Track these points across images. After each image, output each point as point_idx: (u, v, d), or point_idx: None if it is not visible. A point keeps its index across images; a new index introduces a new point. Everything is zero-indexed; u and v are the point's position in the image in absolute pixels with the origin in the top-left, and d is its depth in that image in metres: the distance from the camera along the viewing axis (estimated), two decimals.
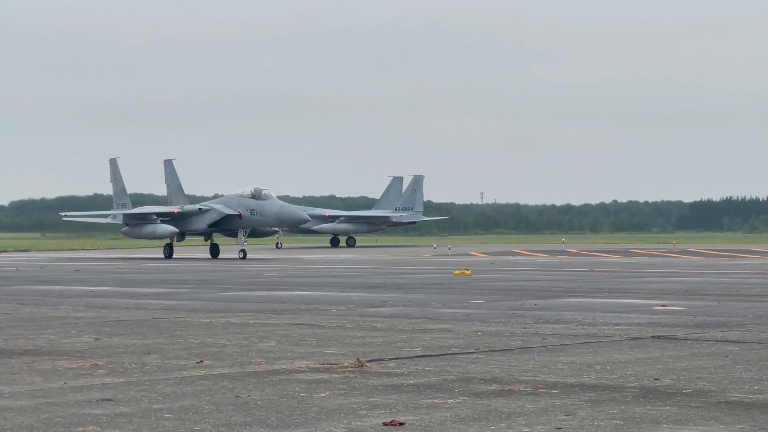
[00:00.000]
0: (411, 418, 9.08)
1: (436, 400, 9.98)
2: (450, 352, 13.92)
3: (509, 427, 8.72)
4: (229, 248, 65.37)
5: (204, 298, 25.38)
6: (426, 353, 13.74)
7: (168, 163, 65.83)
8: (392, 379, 11.33)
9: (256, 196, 58.32)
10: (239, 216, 58.70)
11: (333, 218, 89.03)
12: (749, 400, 9.97)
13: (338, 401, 9.92)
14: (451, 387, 10.79)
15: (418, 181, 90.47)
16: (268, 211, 57.98)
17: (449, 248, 69.80)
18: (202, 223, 60.45)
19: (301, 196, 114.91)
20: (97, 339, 15.74)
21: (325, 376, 11.62)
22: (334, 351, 13.99)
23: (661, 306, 21.90)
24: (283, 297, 25.83)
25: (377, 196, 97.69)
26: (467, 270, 38.39)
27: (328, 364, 12.63)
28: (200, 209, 60.46)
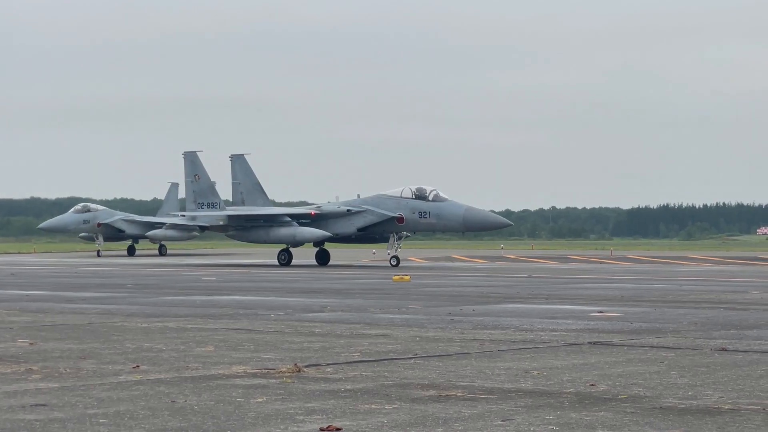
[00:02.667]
0: (348, 423, 9.07)
1: (373, 406, 9.97)
2: (388, 357, 13.93)
3: None
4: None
5: (141, 303, 25.21)
6: (364, 359, 13.74)
7: (238, 159, 58.48)
8: (329, 385, 11.31)
9: (425, 196, 51.79)
10: (399, 219, 52.30)
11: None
12: (683, 406, 10.06)
13: (275, 406, 9.89)
14: (389, 392, 10.80)
15: (172, 188, 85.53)
16: (450, 213, 51.07)
17: (388, 253, 69.82)
18: (351, 226, 53.74)
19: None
20: (31, 343, 15.58)
21: (263, 381, 11.58)
22: (272, 356, 13.95)
23: (598, 312, 22.05)
24: (222, 302, 25.72)
25: (318, 201, 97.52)
26: (406, 275, 38.44)
27: (265, 369, 12.59)
28: (348, 210, 53.72)
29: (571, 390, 11.02)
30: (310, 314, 21.51)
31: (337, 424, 9.00)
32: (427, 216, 51.55)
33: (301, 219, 54.71)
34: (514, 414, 9.58)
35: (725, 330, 18.04)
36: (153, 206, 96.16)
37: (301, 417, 9.37)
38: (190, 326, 18.60)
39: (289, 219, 54.81)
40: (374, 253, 72.13)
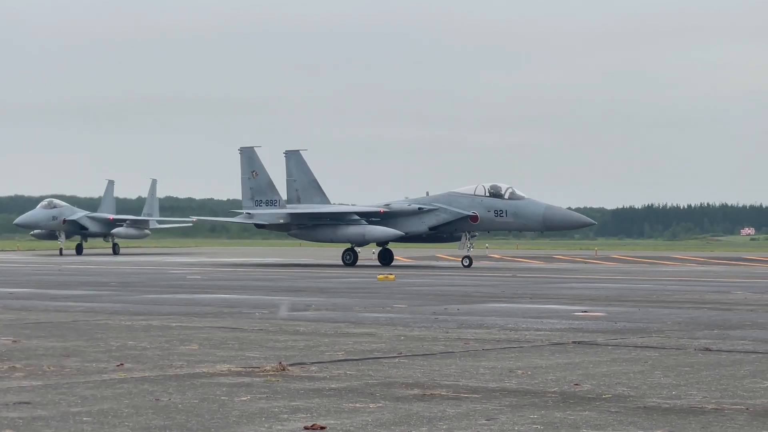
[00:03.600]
0: (332, 422, 9.07)
1: (357, 405, 9.97)
2: (372, 356, 13.93)
3: (430, 431, 8.74)
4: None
5: (126, 301, 25.16)
6: (348, 357, 13.73)
7: (293, 155, 56.33)
8: (314, 383, 11.30)
9: (501, 194, 49.83)
10: (473, 218, 50.26)
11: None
12: (667, 406, 10.08)
13: (259, 405, 9.88)
14: (373, 391, 10.79)
15: (153, 184, 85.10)
16: (530, 212, 49.18)
17: (374, 252, 69.80)
18: (422, 225, 51.59)
19: (225, 199, 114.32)
20: (15, 341, 15.53)
21: (247, 379, 11.56)
22: (257, 354, 13.93)
23: (583, 312, 22.08)
24: (206, 300, 25.69)
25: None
26: (391, 274, 38.45)
27: (249, 367, 12.57)
28: (420, 208, 51.46)
29: (555, 389, 11.03)
30: (295, 313, 21.50)
31: (321, 422, 8.99)
32: (504, 215, 49.66)
33: (370, 217, 52.60)
34: (498, 413, 9.58)
35: (709, 330, 18.09)
36: (137, 205, 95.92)
37: (286, 416, 9.36)
38: (174, 324, 18.57)
39: (358, 217, 52.63)
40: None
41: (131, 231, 78.90)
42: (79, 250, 78.17)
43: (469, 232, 50.95)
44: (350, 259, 53.11)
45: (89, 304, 23.95)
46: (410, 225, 51.72)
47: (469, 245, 50.72)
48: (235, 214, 61.78)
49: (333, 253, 77.08)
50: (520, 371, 12.44)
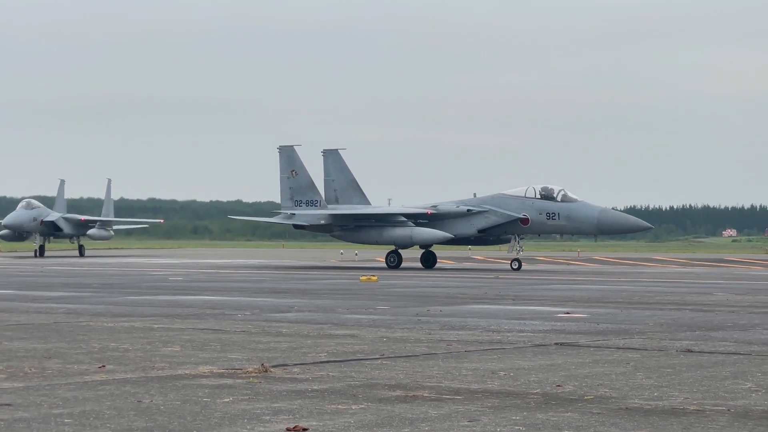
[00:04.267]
0: (314, 423, 9.06)
1: (340, 406, 9.97)
2: (355, 357, 13.93)
3: None
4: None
5: (108, 302, 25.10)
6: (331, 359, 13.73)
7: (332, 154, 54.70)
8: (296, 385, 11.30)
9: (553, 196, 48.67)
10: (524, 220, 49.03)
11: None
12: (649, 407, 10.10)
13: (242, 406, 9.87)
14: (355, 393, 10.79)
15: (109, 184, 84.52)
16: (583, 215, 47.99)
17: (356, 254, 69.82)
18: (471, 227, 50.14)
19: (208, 200, 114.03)
20: None
21: (229, 381, 11.55)
22: (239, 356, 13.92)
23: (565, 313, 22.12)
24: (188, 301, 25.65)
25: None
26: (373, 276, 38.45)
27: (232, 369, 12.55)
28: (469, 210, 50.16)
29: (537, 391, 11.04)
30: (278, 314, 21.48)
31: (303, 424, 8.99)
32: (556, 218, 48.46)
33: (416, 219, 51.14)
34: (480, 415, 9.59)
35: (691, 331, 18.14)
36: (119, 206, 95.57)
37: (268, 417, 9.35)
38: (156, 326, 18.54)
39: (404, 218, 51.14)
40: (342, 253, 72.10)
41: (102, 232, 78.76)
42: (41, 252, 75.10)
43: (518, 235, 49.87)
44: (394, 261, 51.78)
45: (71, 305, 23.89)
46: (458, 227, 50.45)
47: (518, 248, 49.63)
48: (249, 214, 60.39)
49: (314, 254, 77.00)
50: (502, 373, 12.45)
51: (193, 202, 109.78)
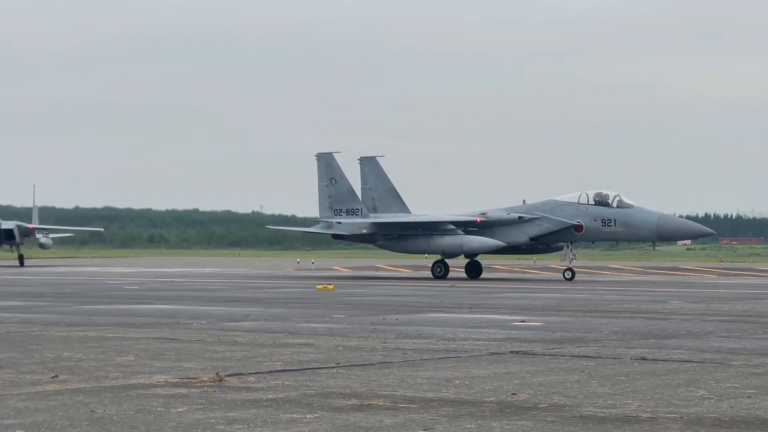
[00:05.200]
0: None
1: (294, 415, 9.94)
2: (310, 366, 13.90)
3: None
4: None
5: (62, 312, 24.93)
6: (286, 368, 13.70)
7: (369, 161, 52.85)
8: (251, 394, 11.26)
9: (608, 202, 47.02)
10: (578, 227, 47.46)
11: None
12: (602, 414, 10.14)
13: (196, 416, 9.82)
14: (310, 402, 10.77)
15: (33, 190, 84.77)
16: (641, 221, 46.41)
17: (312, 263, 69.72)
18: (522, 235, 48.63)
19: (164, 209, 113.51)
20: None
21: (184, 390, 11.50)
22: (194, 365, 13.86)
23: (521, 321, 22.18)
24: (143, 310, 25.52)
25: (243, 210, 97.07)
26: (330, 284, 38.41)
27: (186, 378, 12.50)
28: (521, 217, 48.53)
29: (492, 399, 11.07)
30: (233, 323, 21.41)
31: None
32: (612, 224, 46.84)
33: (465, 227, 49.33)
34: (435, 423, 9.59)
35: (645, 339, 18.24)
36: (75, 214, 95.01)
37: (222, 427, 9.31)
38: (110, 335, 18.42)
39: (453, 227, 49.30)
40: (298, 262, 71.96)
41: (49, 241, 78.37)
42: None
43: (571, 243, 48.36)
44: (441, 271, 50.01)
45: (25, 315, 23.70)
46: (510, 235, 48.84)
47: (571, 256, 48.10)
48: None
49: (271, 263, 76.86)
50: (457, 381, 12.47)
51: (149, 210, 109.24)
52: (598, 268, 70.07)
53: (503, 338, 18.27)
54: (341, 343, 17.10)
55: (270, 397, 11.08)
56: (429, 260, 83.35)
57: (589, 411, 10.35)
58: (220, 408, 10.31)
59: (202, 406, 10.38)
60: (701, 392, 11.70)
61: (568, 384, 12.28)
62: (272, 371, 13.32)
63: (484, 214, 49.57)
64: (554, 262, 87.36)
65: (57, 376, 12.69)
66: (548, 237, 48.56)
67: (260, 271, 61.21)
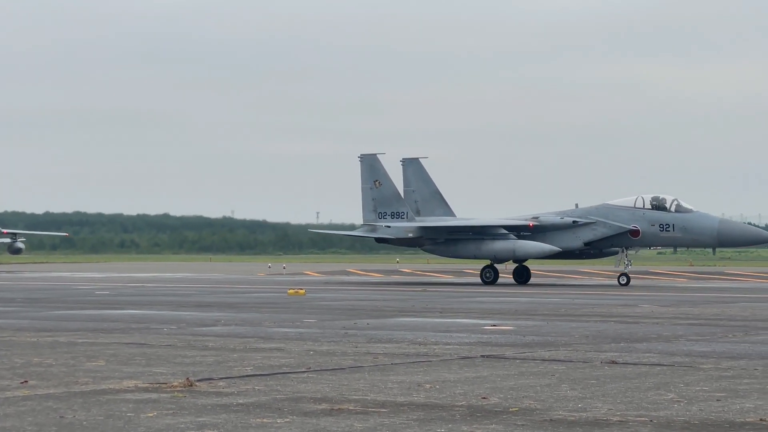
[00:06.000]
0: None
1: (265, 420, 9.93)
2: (281, 371, 13.89)
3: None
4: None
5: (32, 317, 24.81)
6: (257, 372, 13.68)
7: (412, 163, 51.68)
8: (222, 399, 11.24)
9: (666, 206, 45.95)
10: (634, 232, 46.31)
11: None
12: (573, 418, 10.18)
13: (166, 421, 9.80)
14: (281, 406, 10.76)
15: None
16: (701, 226, 45.36)
17: (284, 267, 69.63)
18: (576, 240, 47.40)
19: (135, 214, 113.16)
20: None
21: (154, 395, 11.47)
22: (164, 370, 13.82)
23: (492, 326, 22.22)
24: (114, 316, 25.42)
25: (214, 215, 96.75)
26: (301, 289, 38.38)
27: (157, 383, 12.46)
28: (575, 222, 47.38)
29: (463, 403, 11.08)
30: (204, 328, 21.37)
31: None
32: (670, 229, 45.66)
33: (518, 231, 48.12)
34: (405, 427, 9.60)
35: (615, 343, 18.30)
36: (45, 219, 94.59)
37: (192, 431, 9.29)
38: (80, 341, 18.35)
39: (505, 231, 48.09)
40: (269, 267, 71.88)
41: (21, 246, 78.21)
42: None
43: (626, 248, 47.18)
44: (490, 277, 48.70)
45: None
46: (563, 240, 47.57)
47: (627, 262, 46.77)
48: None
49: (242, 267, 76.72)
50: (428, 385, 12.48)
51: (120, 215, 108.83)
52: (569, 271, 70.24)
53: (474, 342, 18.30)
54: (312, 348, 17.09)
55: (240, 401, 11.07)
56: (399, 265, 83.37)
57: (560, 415, 10.38)
58: (191, 413, 10.28)
59: (172, 411, 10.35)
60: (671, 395, 11.75)
61: (538, 388, 12.31)
62: (243, 376, 13.30)
63: (537, 218, 48.42)
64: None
65: (26, 381, 12.64)
66: (603, 242, 47.52)
67: (231, 275, 61.12)
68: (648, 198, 46.42)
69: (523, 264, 49.95)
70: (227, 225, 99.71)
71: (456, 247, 49.11)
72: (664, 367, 14.57)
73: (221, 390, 11.95)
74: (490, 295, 37.25)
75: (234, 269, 73.95)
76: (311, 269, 73.92)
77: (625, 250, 47.04)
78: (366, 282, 52.26)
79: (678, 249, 53.61)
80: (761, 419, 10.22)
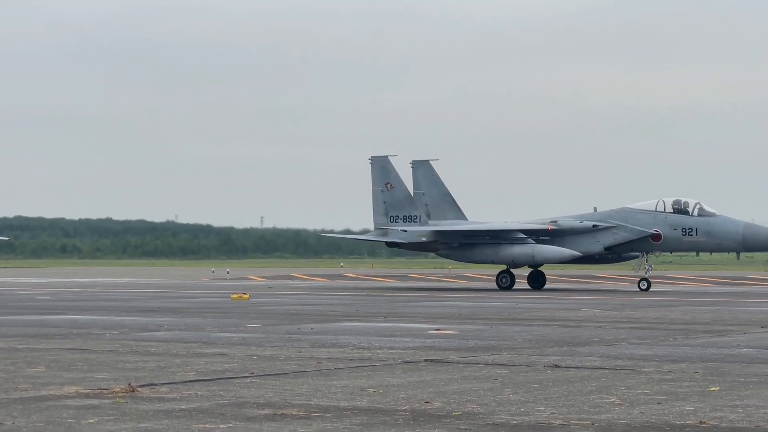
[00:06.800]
0: None
1: (207, 425, 9.88)
2: (224, 376, 13.83)
3: None
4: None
5: None
6: (199, 378, 13.61)
7: (422, 165, 50.66)
8: (164, 404, 11.17)
9: (688, 210, 45.10)
10: (656, 236, 45.43)
11: None
12: (515, 422, 10.21)
13: (107, 427, 9.72)
14: (224, 411, 10.71)
15: None
16: (725, 230, 44.47)
17: (228, 272, 69.40)
18: (596, 244, 46.58)
19: (77, 218, 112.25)
20: None
21: (95, 401, 11.37)
22: (106, 376, 13.71)
23: (435, 330, 22.26)
24: (55, 321, 25.20)
25: (158, 219, 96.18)
26: (245, 294, 38.26)
27: (98, 389, 12.36)
28: (595, 226, 46.40)
29: (406, 407, 11.09)
30: (147, 333, 21.24)
31: None
32: (693, 233, 44.81)
33: (536, 235, 47.19)
34: None
35: (558, 347, 18.39)
36: (15, 223, 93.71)
37: None
38: (20, 346, 18.17)
39: (523, 235, 47.03)
40: (213, 271, 71.58)
41: None
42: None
43: (647, 252, 46.37)
44: (507, 282, 47.65)
45: None
46: (583, 244, 46.72)
47: (647, 267, 45.88)
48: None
49: (185, 272, 76.28)
50: (371, 390, 12.47)
51: (62, 219, 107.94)
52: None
53: (418, 347, 18.32)
54: (255, 353, 17.03)
55: (183, 407, 11.00)
56: (343, 270, 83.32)
57: (502, 418, 10.41)
58: (132, 419, 10.21)
59: (113, 417, 10.28)
60: (613, 399, 11.83)
61: (481, 392, 12.35)
62: (185, 381, 13.23)
63: (555, 221, 47.47)
64: (470, 270, 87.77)
65: None
66: (623, 246, 46.74)
67: (175, 280, 60.80)
68: (669, 201, 45.66)
69: (539, 269, 49.00)
70: (170, 229, 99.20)
71: (472, 252, 48.08)
72: (606, 371, 14.66)
73: (163, 395, 11.87)
74: (434, 300, 37.32)
75: (177, 274, 73.58)
76: (255, 274, 73.73)
77: (645, 255, 46.27)
78: (311, 287, 52.20)
79: (701, 253, 52.38)
80: (701, 422, 10.31)
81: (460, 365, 15.38)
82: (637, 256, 47.04)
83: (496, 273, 48.72)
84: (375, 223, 51.51)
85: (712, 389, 12.68)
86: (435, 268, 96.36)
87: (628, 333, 21.73)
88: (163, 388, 12.51)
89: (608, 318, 26.83)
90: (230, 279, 62.44)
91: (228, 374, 14.04)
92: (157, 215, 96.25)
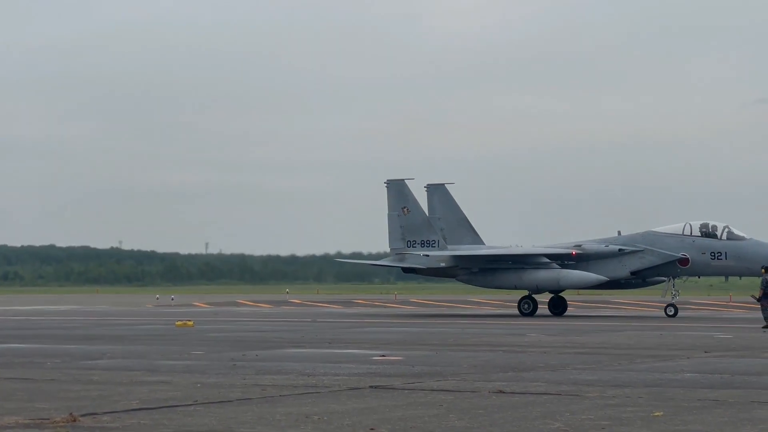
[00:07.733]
0: None
1: None
2: (167, 404, 13.70)
3: None
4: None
5: None
6: (143, 406, 13.48)
7: (438, 189, 49.56)
8: None
9: (716, 234, 44.30)
10: (683, 261, 44.48)
11: None
12: None
13: None
14: None
15: None
16: (756, 254, 43.56)
17: (172, 298, 68.93)
18: (623, 269, 45.44)
19: (18, 245, 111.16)
20: None
21: (35, 431, 11.22)
22: (47, 405, 13.54)
23: (381, 356, 22.21)
24: None
25: (102, 246, 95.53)
26: (189, 321, 38.02)
27: (39, 419, 12.20)
28: (621, 250, 45.36)
29: None
30: (89, 362, 21.03)
31: None
32: (722, 257, 43.96)
33: (561, 260, 46.10)
34: None
35: (503, 372, 18.41)
36: None
37: None
38: None
39: (547, 260, 45.99)
40: (158, 298, 71.10)
41: None
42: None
43: (674, 277, 45.34)
44: (529, 308, 46.71)
45: None
46: (609, 269, 45.63)
47: (674, 292, 44.90)
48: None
49: (130, 299, 75.74)
50: (316, 417, 12.41)
51: (4, 246, 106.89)
52: (458, 301, 70.62)
53: (363, 373, 18.27)
54: (199, 380, 16.90)
55: None
56: (289, 296, 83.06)
57: None
58: None
59: None
60: (557, 424, 11.83)
61: (426, 418, 12.31)
62: (128, 410, 13.09)
63: (579, 246, 46.57)
64: (415, 296, 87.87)
65: None
66: (649, 271, 45.82)
67: (119, 307, 60.32)
68: (696, 225, 44.93)
69: (560, 294, 48.22)
70: (115, 256, 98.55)
71: (494, 277, 47.01)
72: (551, 396, 14.68)
73: (105, 425, 11.74)
74: (379, 326, 37.26)
75: (121, 301, 73.01)
76: (200, 300, 73.32)
77: (672, 280, 45.42)
78: (256, 313, 51.96)
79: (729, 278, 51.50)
80: None
81: (405, 391, 15.35)
82: (662, 281, 46.50)
83: (519, 298, 47.79)
84: (392, 249, 50.20)
85: (656, 414, 12.73)
86: (380, 294, 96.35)
87: (573, 358, 21.80)
88: (105, 417, 12.37)
89: (553, 343, 26.91)
90: (175, 306, 62.04)
91: (171, 402, 13.91)
92: (101, 242, 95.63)
